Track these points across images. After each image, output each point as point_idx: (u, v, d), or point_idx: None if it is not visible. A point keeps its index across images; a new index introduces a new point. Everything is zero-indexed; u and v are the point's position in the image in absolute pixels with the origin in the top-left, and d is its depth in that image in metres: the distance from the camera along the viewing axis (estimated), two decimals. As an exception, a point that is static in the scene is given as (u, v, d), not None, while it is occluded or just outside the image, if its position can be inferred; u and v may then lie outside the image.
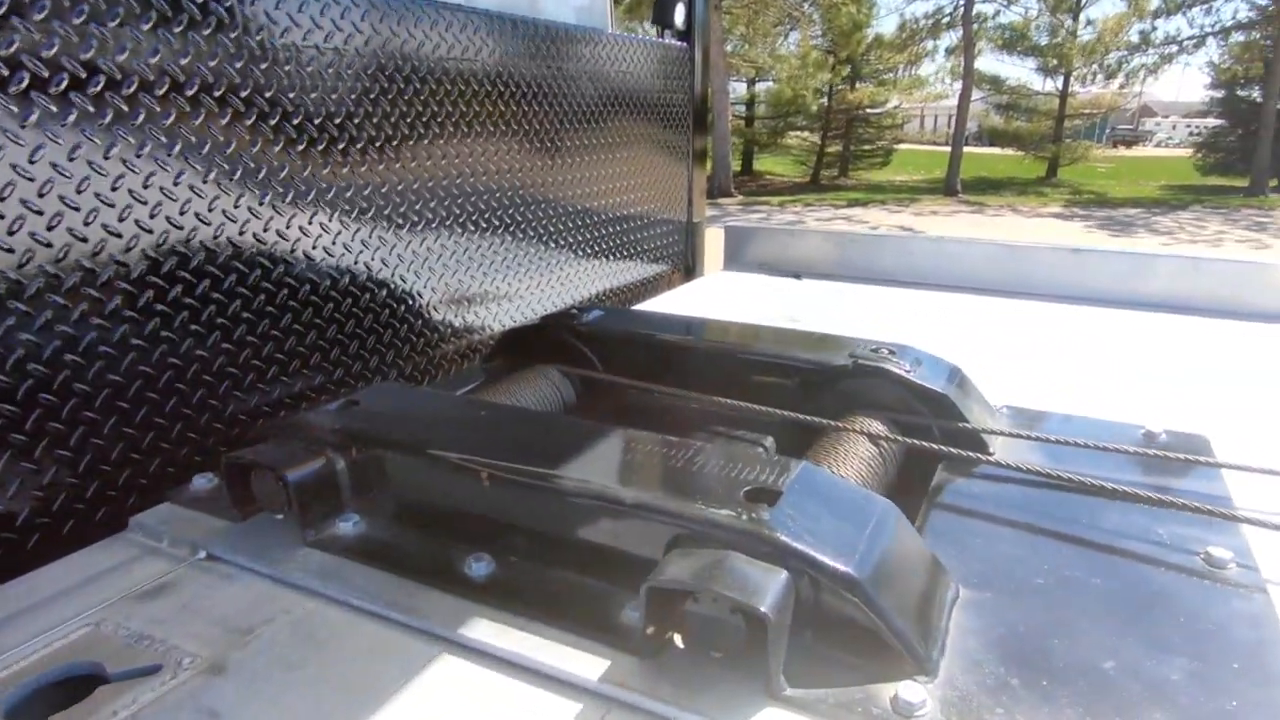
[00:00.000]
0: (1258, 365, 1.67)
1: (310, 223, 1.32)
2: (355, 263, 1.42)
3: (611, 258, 2.27)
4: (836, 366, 1.18)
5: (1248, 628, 0.72)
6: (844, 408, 1.15)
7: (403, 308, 1.54)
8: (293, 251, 1.30)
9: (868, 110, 23.20)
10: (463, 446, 0.89)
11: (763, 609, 0.62)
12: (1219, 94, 23.90)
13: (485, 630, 0.76)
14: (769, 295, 2.38)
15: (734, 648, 0.66)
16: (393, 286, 1.51)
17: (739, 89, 24.27)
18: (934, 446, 1.04)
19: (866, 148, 24.16)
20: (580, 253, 2.11)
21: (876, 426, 1.08)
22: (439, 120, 1.56)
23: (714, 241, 2.84)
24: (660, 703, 0.66)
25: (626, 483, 0.79)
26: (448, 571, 0.83)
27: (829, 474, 0.85)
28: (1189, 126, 40.79)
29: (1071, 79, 21.34)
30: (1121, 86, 21.85)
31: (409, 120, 1.49)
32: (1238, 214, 17.52)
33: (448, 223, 1.62)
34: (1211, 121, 24.50)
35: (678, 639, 0.71)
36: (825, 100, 22.85)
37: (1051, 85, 21.92)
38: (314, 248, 1.33)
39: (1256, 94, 21.29)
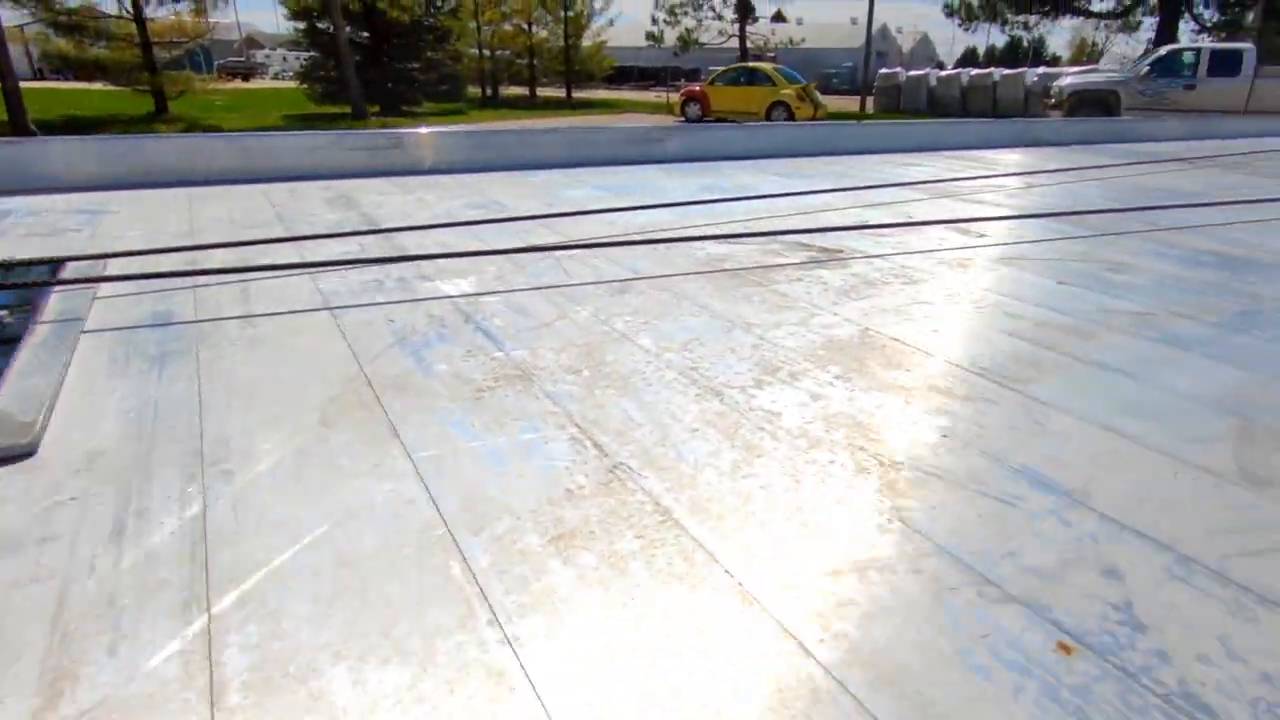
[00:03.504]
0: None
1: None
2: None
3: None
4: None
5: None
6: None
7: None
8: None
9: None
10: None
11: None
12: (301, 25, 27.65)
13: None
14: None
15: None
16: None
17: None
18: None
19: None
20: None
21: None
22: None
23: None
24: None
25: None
26: None
27: None
28: (298, 58, 46.26)
29: (143, 1, 21.17)
30: (195, 12, 22.93)
31: None
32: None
33: None
34: (309, 54, 28.33)
35: None
36: None
37: (118, 7, 21.30)
38: None
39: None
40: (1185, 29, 25.84)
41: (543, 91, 38.43)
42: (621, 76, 46.54)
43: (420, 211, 3.61)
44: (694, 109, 24.60)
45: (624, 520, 1.29)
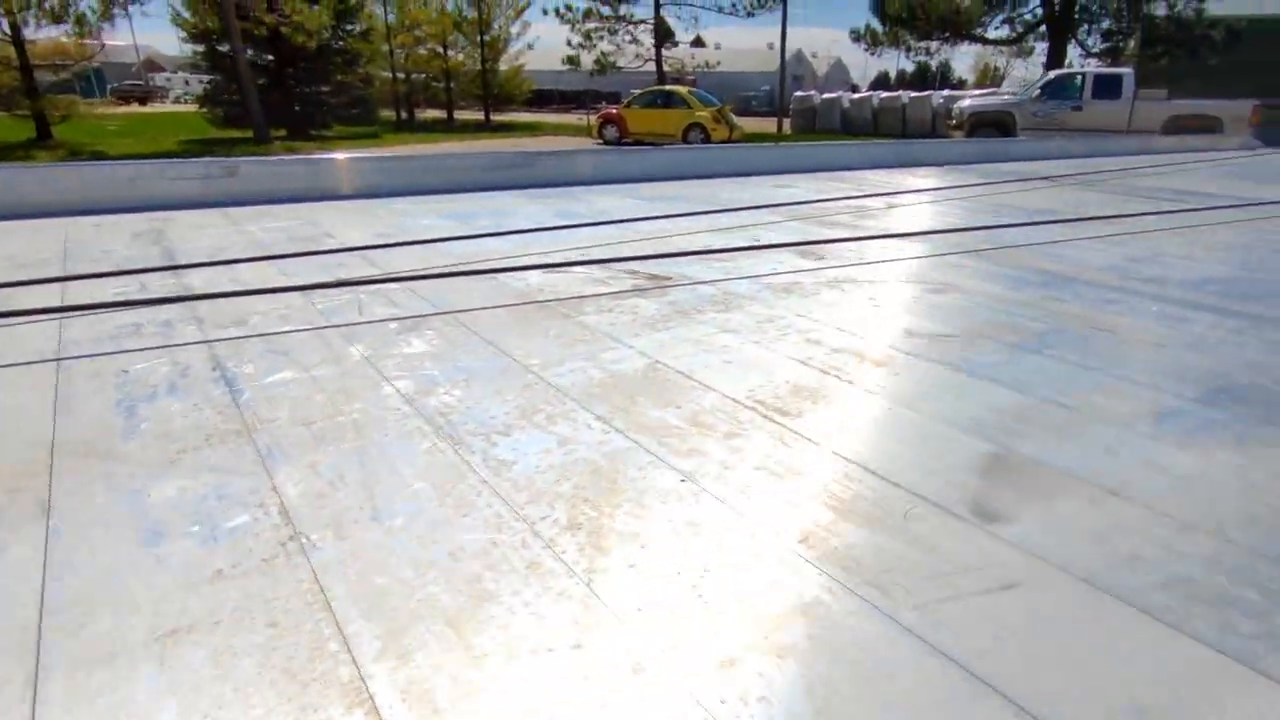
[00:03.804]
0: None
1: None
2: None
3: None
4: None
5: None
6: None
7: None
8: None
9: None
10: None
11: None
12: (200, 48, 26.69)
13: None
14: None
15: None
16: None
17: None
18: None
19: None
20: None
21: None
22: None
23: None
24: None
25: None
26: None
27: None
28: (200, 81, 44.58)
29: (21, 23, 20.03)
30: (80, 35, 21.84)
31: None
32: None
33: None
34: (210, 77, 27.33)
35: None
36: None
37: (-5, 29, 20.09)
38: None
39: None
40: (1074, 54, 27.38)
41: (461, 115, 38.00)
42: (542, 100, 46.46)
43: (236, 245, 3.40)
44: (611, 131, 24.71)
45: (264, 605, 1.13)
